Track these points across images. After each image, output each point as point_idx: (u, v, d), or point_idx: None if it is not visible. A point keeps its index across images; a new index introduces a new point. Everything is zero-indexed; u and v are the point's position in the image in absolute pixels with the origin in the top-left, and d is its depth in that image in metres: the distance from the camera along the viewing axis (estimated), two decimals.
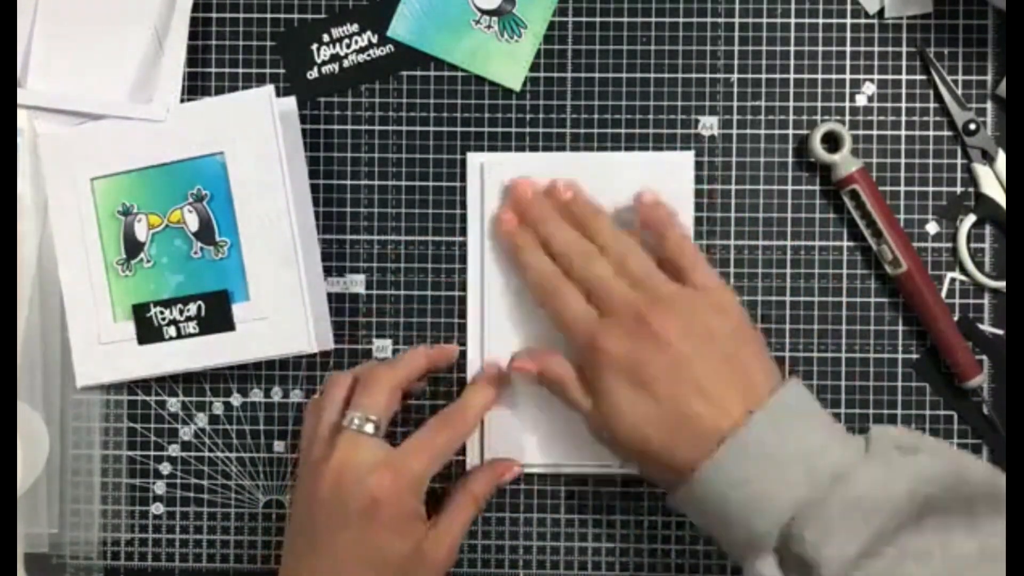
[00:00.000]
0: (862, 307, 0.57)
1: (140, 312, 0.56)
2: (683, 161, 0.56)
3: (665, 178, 0.55)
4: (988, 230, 0.57)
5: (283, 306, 0.55)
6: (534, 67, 0.57)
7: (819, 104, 0.57)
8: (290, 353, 0.56)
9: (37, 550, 0.57)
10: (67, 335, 0.57)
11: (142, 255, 0.56)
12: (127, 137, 0.56)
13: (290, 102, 0.57)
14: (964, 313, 0.57)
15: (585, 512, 0.57)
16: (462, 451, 0.56)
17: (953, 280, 0.57)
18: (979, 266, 0.56)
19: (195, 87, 0.58)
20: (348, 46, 0.58)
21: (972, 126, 0.56)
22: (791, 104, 0.57)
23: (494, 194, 0.56)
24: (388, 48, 0.58)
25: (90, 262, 0.56)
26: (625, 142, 0.57)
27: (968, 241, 0.56)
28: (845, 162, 0.55)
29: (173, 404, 0.58)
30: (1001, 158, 0.56)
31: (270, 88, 0.56)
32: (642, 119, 0.57)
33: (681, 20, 0.57)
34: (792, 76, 0.57)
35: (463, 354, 0.57)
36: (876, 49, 0.57)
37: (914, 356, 0.57)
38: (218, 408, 0.58)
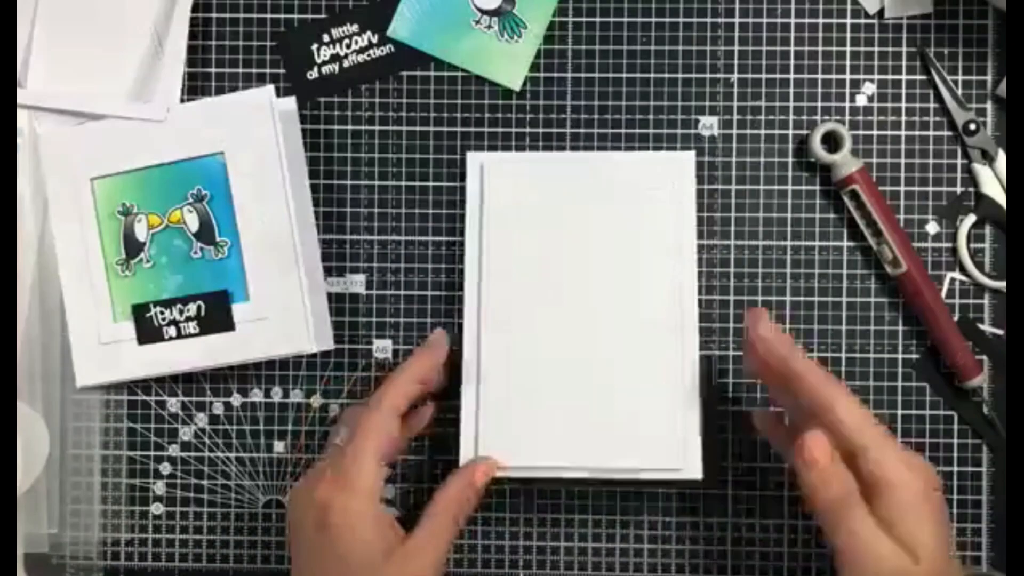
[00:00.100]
0: (862, 307, 0.57)
1: (140, 312, 0.56)
2: (684, 161, 0.56)
3: (666, 178, 0.55)
4: (988, 230, 0.57)
5: (283, 306, 0.55)
6: (534, 67, 0.57)
7: (819, 104, 0.57)
8: (290, 353, 0.56)
9: (37, 550, 0.57)
10: (67, 335, 0.57)
11: (142, 255, 0.56)
12: (127, 137, 0.56)
13: (290, 102, 0.57)
14: (964, 313, 0.57)
15: (585, 512, 0.57)
16: (455, 453, 0.55)
17: (953, 280, 0.57)
18: (979, 266, 0.56)
19: (195, 87, 0.58)
20: (348, 46, 0.58)
21: (972, 126, 0.56)
22: (791, 104, 0.57)
23: (494, 194, 0.56)
24: (388, 48, 0.58)
25: (90, 262, 0.56)
26: (625, 142, 0.57)
27: (968, 241, 0.56)
28: (845, 162, 0.55)
29: (173, 404, 0.58)
30: (1001, 158, 0.56)
31: (270, 88, 0.56)
32: (642, 119, 0.57)
33: (681, 20, 0.57)
34: (792, 76, 0.57)
35: (459, 353, 0.56)
36: (876, 49, 0.57)
37: (914, 356, 0.57)
38: (218, 408, 0.58)
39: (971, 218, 0.56)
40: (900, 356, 0.57)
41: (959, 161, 0.57)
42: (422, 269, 0.57)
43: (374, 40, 0.58)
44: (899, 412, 0.57)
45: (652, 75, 0.57)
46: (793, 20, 0.57)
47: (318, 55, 0.58)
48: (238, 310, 0.56)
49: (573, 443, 0.54)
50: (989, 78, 0.57)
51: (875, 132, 0.57)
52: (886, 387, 0.57)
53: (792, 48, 0.57)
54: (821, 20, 0.57)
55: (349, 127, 0.58)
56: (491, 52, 0.57)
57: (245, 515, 0.58)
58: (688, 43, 0.57)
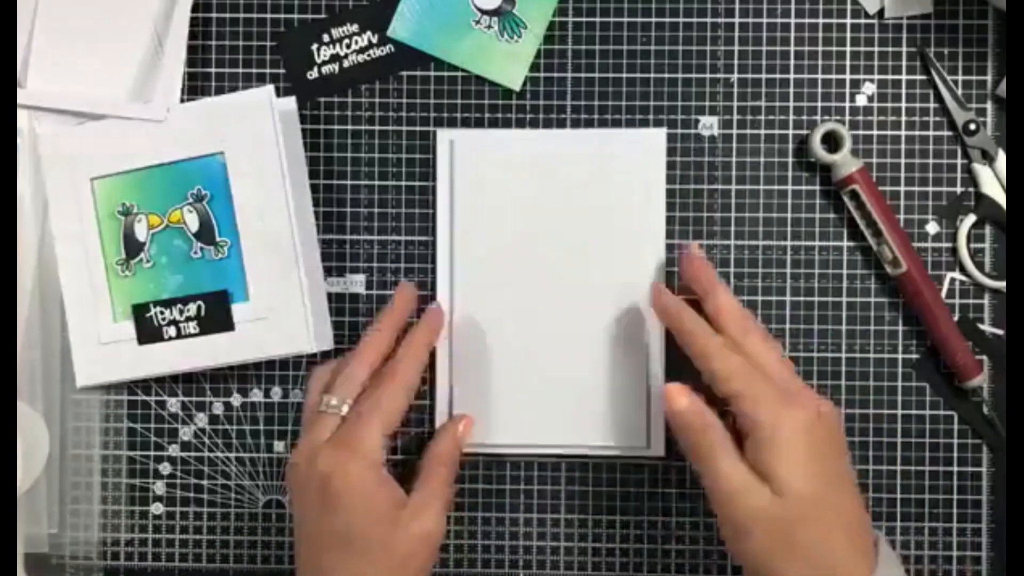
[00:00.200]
0: (862, 307, 0.57)
1: (140, 312, 0.56)
2: (655, 137, 0.56)
3: (637, 154, 0.56)
4: (988, 230, 0.57)
5: (283, 306, 0.55)
6: (534, 67, 0.57)
7: (819, 104, 0.57)
8: (290, 353, 0.56)
9: (37, 550, 0.57)
10: (67, 335, 0.57)
11: (142, 255, 0.56)
12: (127, 137, 0.56)
13: (290, 102, 0.57)
14: (964, 313, 0.57)
15: (585, 512, 0.57)
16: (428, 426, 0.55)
17: (953, 280, 0.57)
18: (979, 266, 0.56)
19: (195, 87, 0.58)
20: (348, 46, 0.58)
21: (972, 126, 0.56)
22: (791, 104, 0.57)
23: (463, 170, 0.56)
24: (388, 48, 0.58)
25: (90, 262, 0.56)
26: None
27: (968, 241, 0.56)
28: (845, 162, 0.55)
29: (173, 404, 0.58)
30: (1001, 158, 0.56)
31: (270, 88, 0.56)
32: (642, 119, 0.57)
33: (681, 20, 0.57)
34: (792, 76, 0.57)
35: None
36: (876, 49, 0.57)
37: (914, 356, 0.57)
38: (218, 408, 0.58)
39: (971, 218, 0.56)
40: (900, 356, 0.57)
41: (959, 161, 0.57)
42: (422, 269, 0.57)
43: (374, 40, 0.58)
44: (899, 412, 0.57)
45: (652, 75, 0.57)
46: (793, 20, 0.57)
47: (318, 55, 0.58)
48: (238, 310, 0.56)
49: (544, 422, 0.56)
50: (989, 78, 0.57)
51: (875, 132, 0.57)
52: (886, 387, 0.57)
53: (792, 48, 0.57)
54: (821, 20, 0.57)
55: (349, 127, 0.58)
56: (491, 52, 0.57)
57: (245, 515, 0.58)
58: (688, 43, 0.57)
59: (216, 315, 0.56)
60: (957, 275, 0.57)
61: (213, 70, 0.58)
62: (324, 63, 0.58)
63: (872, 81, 0.57)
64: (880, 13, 0.57)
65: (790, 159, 0.57)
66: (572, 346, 0.56)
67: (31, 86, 0.57)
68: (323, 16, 0.58)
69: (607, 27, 0.57)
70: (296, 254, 0.55)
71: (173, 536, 0.58)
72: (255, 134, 0.55)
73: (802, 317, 0.57)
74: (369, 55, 0.58)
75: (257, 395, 0.58)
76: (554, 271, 0.56)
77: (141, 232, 0.56)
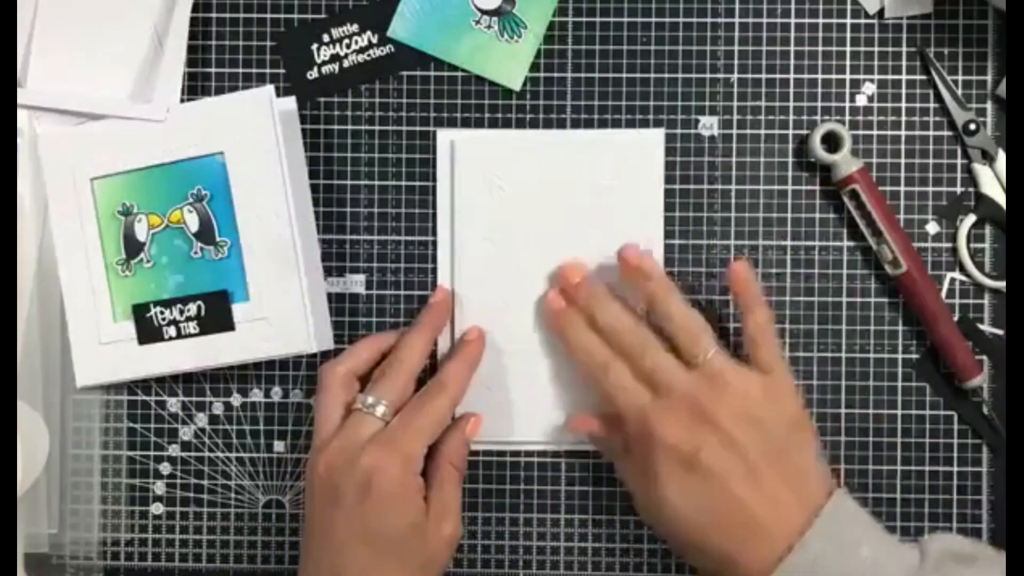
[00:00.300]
0: (862, 307, 0.57)
1: (140, 312, 0.56)
2: (653, 138, 0.56)
3: (637, 154, 0.56)
4: (988, 230, 0.57)
5: (283, 306, 0.55)
6: (534, 67, 0.57)
7: (819, 104, 0.57)
8: (290, 353, 0.56)
9: (37, 550, 0.57)
10: (67, 335, 0.57)
11: (142, 255, 0.56)
12: (127, 137, 0.56)
13: (290, 102, 0.57)
14: (964, 313, 0.57)
15: (585, 512, 0.57)
16: None
17: (953, 280, 0.57)
18: (979, 266, 0.56)
19: (195, 87, 0.58)
20: (348, 46, 0.58)
21: (972, 126, 0.56)
22: (791, 104, 0.57)
23: (464, 171, 0.56)
24: (388, 48, 0.58)
25: (90, 262, 0.56)
26: None
27: (968, 241, 0.56)
28: (845, 162, 0.55)
29: (173, 404, 0.58)
30: (1001, 158, 0.56)
31: (270, 88, 0.56)
32: (642, 119, 0.57)
33: (681, 20, 0.57)
34: (792, 76, 0.57)
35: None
36: (876, 49, 0.57)
37: (914, 356, 0.57)
38: (218, 408, 0.58)
39: (971, 218, 0.56)
40: (900, 356, 0.57)
41: (959, 161, 0.57)
42: (422, 269, 0.57)
43: (374, 40, 0.58)
44: (899, 412, 0.57)
45: (652, 75, 0.57)
46: (793, 20, 0.57)
47: (318, 55, 0.58)
48: (238, 310, 0.56)
49: (544, 420, 0.57)
50: (989, 78, 0.57)
51: (875, 132, 0.57)
52: (886, 387, 0.57)
53: (792, 48, 0.57)
54: (821, 20, 0.57)
55: (349, 127, 0.58)
56: (491, 52, 0.57)
57: (245, 515, 0.58)
58: (688, 43, 0.57)
59: (216, 315, 0.56)
60: (957, 275, 0.57)
61: (213, 70, 0.58)
62: (324, 63, 0.58)
63: (872, 81, 0.57)
64: (880, 13, 0.57)
65: (790, 159, 0.57)
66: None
67: (31, 86, 0.57)
68: (323, 16, 0.58)
69: (607, 27, 0.57)
70: (296, 254, 0.55)
71: (173, 536, 0.58)
72: (255, 134, 0.55)
73: (802, 317, 0.57)
74: (369, 55, 0.58)
75: (257, 395, 0.58)
76: (554, 271, 0.56)
77: (141, 232, 0.56)
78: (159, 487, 0.58)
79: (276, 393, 0.58)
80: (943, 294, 0.56)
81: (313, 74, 0.58)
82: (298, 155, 0.57)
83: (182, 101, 0.57)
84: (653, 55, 0.57)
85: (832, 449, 0.57)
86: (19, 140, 0.56)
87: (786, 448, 0.49)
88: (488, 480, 0.57)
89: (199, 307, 0.56)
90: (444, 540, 0.51)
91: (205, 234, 0.56)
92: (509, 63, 0.57)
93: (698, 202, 0.57)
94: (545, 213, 0.56)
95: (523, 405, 0.56)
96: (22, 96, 0.56)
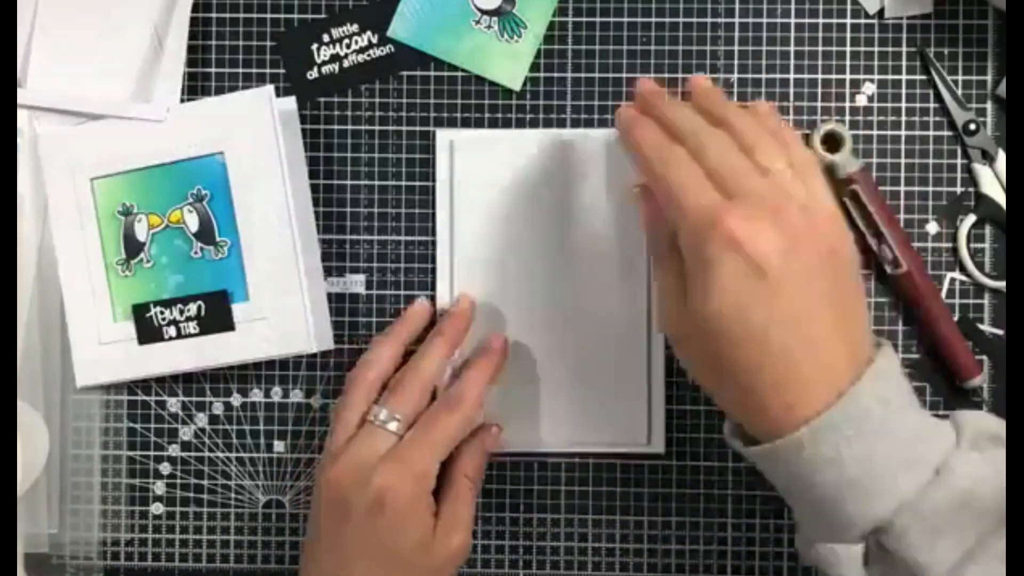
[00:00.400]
0: None
1: (140, 312, 0.56)
2: None
3: None
4: (988, 230, 0.57)
5: (283, 306, 0.55)
6: (534, 67, 0.57)
7: (819, 104, 0.57)
8: (290, 353, 0.56)
9: (37, 550, 0.57)
10: (67, 335, 0.57)
11: (142, 255, 0.56)
12: (127, 137, 0.56)
13: (290, 102, 0.57)
14: (964, 313, 0.57)
15: (585, 512, 0.57)
16: None
17: (953, 280, 0.57)
18: (979, 266, 0.56)
19: (195, 87, 0.58)
20: (348, 46, 0.58)
21: (972, 126, 0.56)
22: (791, 104, 0.57)
23: (464, 171, 0.56)
24: (388, 48, 0.58)
25: (90, 262, 0.56)
26: None
27: (968, 241, 0.56)
28: (845, 162, 0.55)
29: (173, 404, 0.58)
30: (1001, 158, 0.56)
31: (270, 88, 0.56)
32: None
33: (681, 20, 0.57)
34: (792, 76, 0.57)
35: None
36: (876, 49, 0.57)
37: (914, 356, 0.57)
38: (218, 408, 0.58)
39: (971, 218, 0.56)
40: (900, 356, 0.57)
41: (959, 161, 0.57)
42: (422, 269, 0.57)
43: (374, 40, 0.58)
44: None
45: (652, 75, 0.57)
46: (793, 20, 0.57)
47: (318, 55, 0.58)
48: (238, 310, 0.56)
49: (544, 420, 0.56)
50: (989, 78, 0.57)
51: (875, 132, 0.57)
52: None
53: (792, 48, 0.57)
54: (821, 20, 0.57)
55: (349, 127, 0.58)
56: (491, 52, 0.57)
57: (245, 515, 0.58)
58: (688, 43, 0.57)
59: (216, 315, 0.56)
60: (957, 275, 0.57)
61: (213, 70, 0.58)
62: (324, 63, 0.58)
63: (872, 81, 0.57)
64: (880, 13, 0.57)
65: None
66: (572, 344, 0.56)
67: (31, 86, 0.57)
68: (323, 16, 0.58)
69: (607, 27, 0.57)
70: (296, 254, 0.55)
71: (173, 536, 0.58)
72: (255, 134, 0.55)
73: None
74: (369, 55, 0.58)
75: (257, 395, 0.58)
76: (554, 270, 0.56)
77: (141, 232, 0.56)
78: (159, 487, 0.58)
79: (276, 393, 0.58)
80: (943, 294, 0.56)
81: (313, 74, 0.58)
82: (298, 155, 0.57)
83: (182, 101, 0.57)
84: (653, 55, 0.57)
85: None
86: (19, 140, 0.56)
87: (847, 290, 0.43)
88: (488, 480, 0.57)
89: (199, 307, 0.56)
90: (452, 553, 0.51)
91: (205, 234, 0.56)
92: (509, 63, 0.57)
93: None
94: (545, 213, 0.56)
95: (522, 407, 0.56)
96: (22, 96, 0.56)
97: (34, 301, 0.57)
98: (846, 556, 0.42)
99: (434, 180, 0.57)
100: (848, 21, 0.57)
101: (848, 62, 0.57)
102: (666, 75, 0.57)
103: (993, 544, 0.40)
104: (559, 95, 0.57)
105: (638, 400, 0.56)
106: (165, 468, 0.58)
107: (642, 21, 0.57)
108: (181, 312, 0.56)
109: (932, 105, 0.57)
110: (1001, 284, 0.56)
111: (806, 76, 0.57)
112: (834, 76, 0.57)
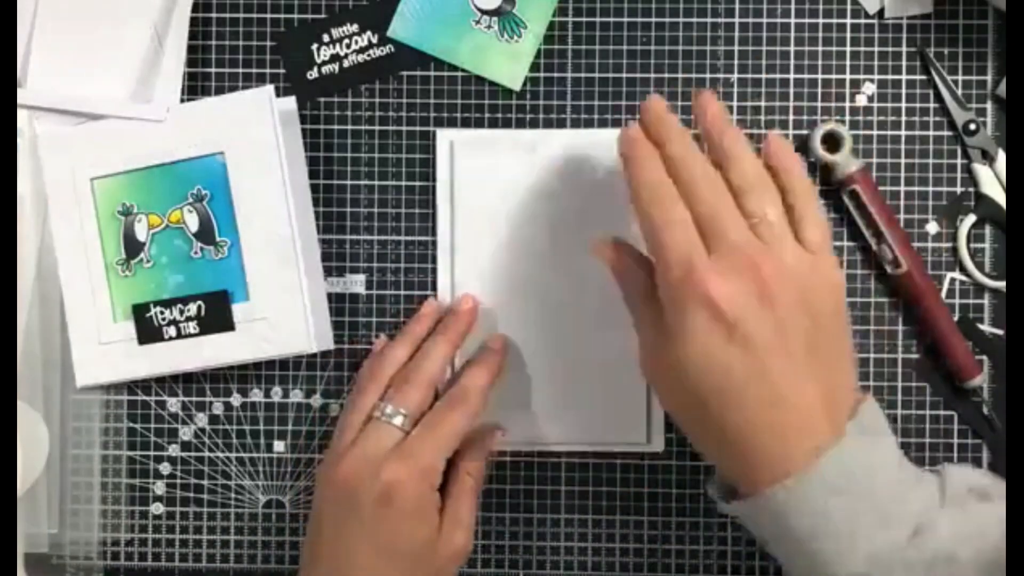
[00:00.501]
0: (862, 307, 0.57)
1: (140, 312, 0.56)
2: None
3: None
4: (988, 230, 0.57)
5: (283, 306, 0.55)
6: (534, 67, 0.57)
7: (819, 104, 0.57)
8: (290, 353, 0.56)
9: (37, 550, 0.57)
10: (67, 335, 0.57)
11: (142, 255, 0.56)
12: (127, 137, 0.56)
13: (290, 102, 0.57)
14: (964, 313, 0.57)
15: (585, 512, 0.57)
16: None
17: (953, 280, 0.57)
18: (979, 266, 0.56)
19: (195, 87, 0.58)
20: (348, 46, 0.58)
21: (972, 126, 0.56)
22: (791, 104, 0.57)
23: (464, 171, 0.56)
24: (388, 48, 0.58)
25: (90, 262, 0.56)
26: None
27: (968, 241, 0.56)
28: (845, 162, 0.55)
29: (173, 404, 0.58)
30: (1001, 158, 0.56)
31: (270, 88, 0.56)
32: None
33: (681, 20, 0.57)
34: (792, 76, 0.57)
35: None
36: (876, 49, 0.57)
37: (914, 356, 0.57)
38: (218, 408, 0.58)
39: (971, 218, 0.56)
40: (900, 356, 0.57)
41: (959, 161, 0.57)
42: (422, 269, 0.57)
43: (374, 40, 0.58)
44: (899, 412, 0.57)
45: (652, 75, 0.57)
46: (793, 20, 0.57)
47: (318, 55, 0.58)
48: (238, 310, 0.56)
49: (544, 419, 0.56)
50: (989, 78, 0.57)
51: (875, 132, 0.57)
52: (886, 387, 0.57)
53: (792, 48, 0.57)
54: (821, 20, 0.57)
55: (349, 127, 0.58)
56: (491, 52, 0.57)
57: (245, 515, 0.58)
58: (688, 43, 0.57)
59: (216, 315, 0.56)
60: (957, 275, 0.57)
61: (213, 70, 0.58)
62: (324, 63, 0.58)
63: (872, 81, 0.57)
64: (880, 13, 0.57)
65: None
66: (572, 343, 0.56)
67: (31, 86, 0.57)
68: (323, 16, 0.58)
69: (607, 27, 0.57)
70: (296, 254, 0.55)
71: (173, 536, 0.58)
72: (255, 134, 0.55)
73: None
74: (369, 55, 0.58)
75: (257, 395, 0.58)
76: (554, 270, 0.56)
77: (141, 232, 0.56)
78: (159, 487, 0.58)
79: (276, 393, 0.58)
80: (943, 294, 0.56)
81: (313, 74, 0.58)
82: (298, 155, 0.57)
83: (182, 101, 0.57)
84: (653, 55, 0.57)
85: None
86: (19, 140, 0.56)
87: (825, 344, 0.43)
88: (487, 480, 0.57)
89: (199, 307, 0.56)
90: (454, 552, 0.51)
91: (205, 234, 0.56)
92: (509, 63, 0.57)
93: None
94: (545, 213, 0.56)
95: (523, 405, 0.56)
96: (22, 96, 0.56)
97: (34, 301, 0.57)
98: None
99: (434, 180, 0.57)
100: (848, 21, 0.57)
101: (848, 62, 0.57)
102: (666, 75, 0.57)
103: None
104: (559, 95, 0.57)
105: (638, 399, 0.56)
106: (165, 468, 0.58)
107: (642, 21, 0.57)
108: (181, 312, 0.56)
109: (932, 105, 0.57)
110: (1001, 284, 0.56)
111: (806, 76, 0.57)
112: (834, 76, 0.57)
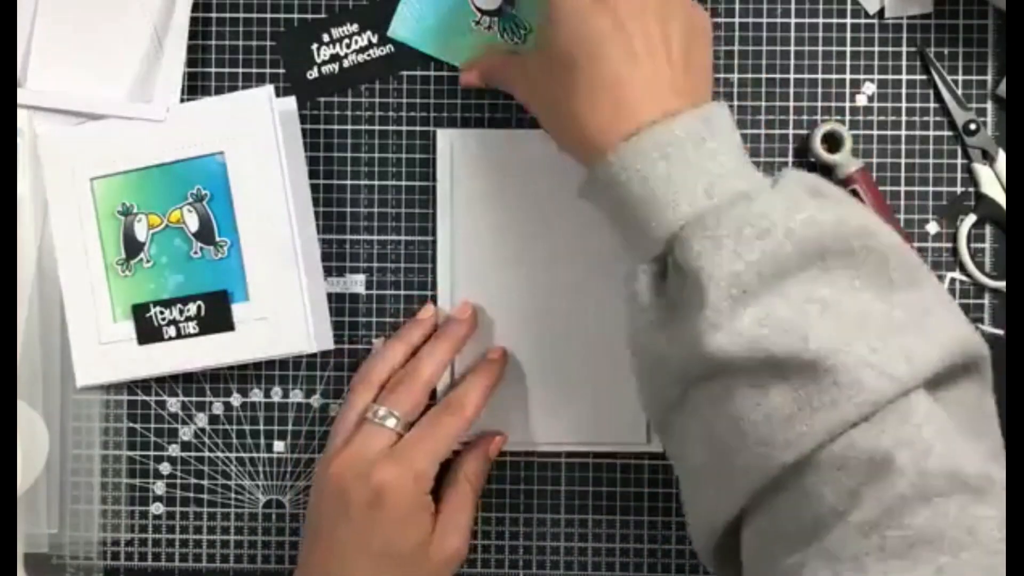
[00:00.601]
0: None
1: (140, 312, 0.56)
2: None
3: None
4: (988, 230, 0.57)
5: (283, 306, 0.55)
6: None
7: (819, 104, 0.57)
8: (290, 353, 0.56)
9: (37, 550, 0.57)
10: (67, 335, 0.57)
11: (142, 255, 0.56)
12: (127, 137, 0.56)
13: (290, 102, 0.57)
14: (964, 313, 0.57)
15: (585, 512, 0.57)
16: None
17: (953, 280, 0.57)
18: (979, 266, 0.56)
19: (195, 87, 0.58)
20: (348, 46, 0.58)
21: (972, 126, 0.56)
22: (791, 104, 0.57)
23: (464, 171, 0.56)
24: (388, 48, 0.58)
25: (90, 262, 0.56)
26: None
27: (968, 241, 0.56)
28: (845, 162, 0.55)
29: (173, 404, 0.58)
30: (1001, 158, 0.56)
31: (270, 88, 0.56)
32: None
33: None
34: (792, 76, 0.57)
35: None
36: (876, 49, 0.57)
37: None
38: (218, 408, 0.58)
39: (971, 218, 0.56)
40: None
41: (959, 161, 0.57)
42: (422, 269, 0.57)
43: (374, 40, 0.58)
44: None
45: None
46: (793, 20, 0.57)
47: (318, 55, 0.58)
48: (238, 310, 0.56)
49: (544, 420, 0.56)
50: (989, 78, 0.57)
51: (875, 132, 0.57)
52: None
53: (792, 48, 0.57)
54: (821, 20, 0.57)
55: (349, 127, 0.58)
56: None
57: (245, 515, 0.58)
58: None
59: (216, 315, 0.56)
60: (957, 275, 0.57)
61: (213, 70, 0.58)
62: (324, 63, 0.58)
63: (872, 81, 0.57)
64: (880, 13, 0.57)
65: (790, 159, 0.57)
66: (572, 344, 0.56)
67: (31, 86, 0.57)
68: (323, 16, 0.58)
69: None
70: (296, 254, 0.55)
71: (173, 536, 0.58)
72: (255, 134, 0.55)
73: None
74: (369, 55, 0.58)
75: (257, 395, 0.58)
76: (554, 270, 0.56)
77: (141, 232, 0.56)
78: (159, 487, 0.58)
79: (276, 393, 0.58)
80: None
81: (313, 74, 0.58)
82: (298, 155, 0.57)
83: (182, 101, 0.57)
84: None
85: None
86: (19, 140, 0.56)
87: (694, 37, 0.46)
88: (488, 480, 0.57)
89: (199, 307, 0.56)
90: (448, 556, 0.51)
91: (205, 234, 0.56)
92: None
93: None
94: (545, 213, 0.56)
95: (522, 405, 0.56)
96: (22, 96, 0.56)
97: (34, 301, 0.57)
98: (642, 272, 0.44)
99: (434, 180, 0.57)
100: (848, 21, 0.57)
101: (848, 62, 0.57)
102: None
103: (804, 279, 0.40)
104: None
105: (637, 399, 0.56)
106: (165, 468, 0.58)
107: None
108: (181, 312, 0.56)
109: (932, 105, 0.57)
110: (1001, 284, 0.56)
111: (806, 76, 0.57)
112: (834, 76, 0.57)
